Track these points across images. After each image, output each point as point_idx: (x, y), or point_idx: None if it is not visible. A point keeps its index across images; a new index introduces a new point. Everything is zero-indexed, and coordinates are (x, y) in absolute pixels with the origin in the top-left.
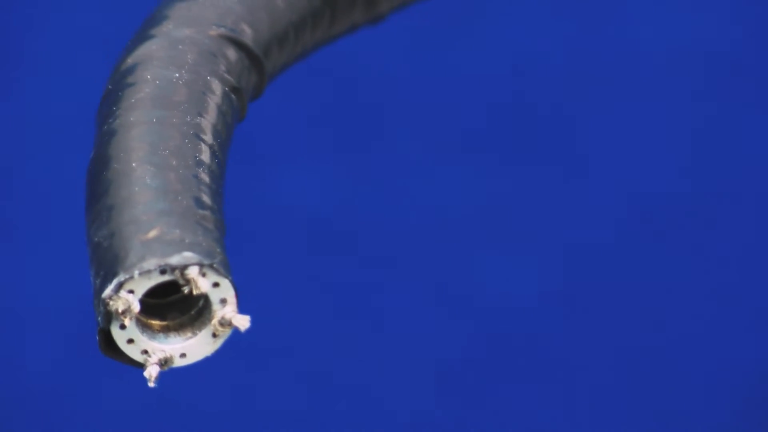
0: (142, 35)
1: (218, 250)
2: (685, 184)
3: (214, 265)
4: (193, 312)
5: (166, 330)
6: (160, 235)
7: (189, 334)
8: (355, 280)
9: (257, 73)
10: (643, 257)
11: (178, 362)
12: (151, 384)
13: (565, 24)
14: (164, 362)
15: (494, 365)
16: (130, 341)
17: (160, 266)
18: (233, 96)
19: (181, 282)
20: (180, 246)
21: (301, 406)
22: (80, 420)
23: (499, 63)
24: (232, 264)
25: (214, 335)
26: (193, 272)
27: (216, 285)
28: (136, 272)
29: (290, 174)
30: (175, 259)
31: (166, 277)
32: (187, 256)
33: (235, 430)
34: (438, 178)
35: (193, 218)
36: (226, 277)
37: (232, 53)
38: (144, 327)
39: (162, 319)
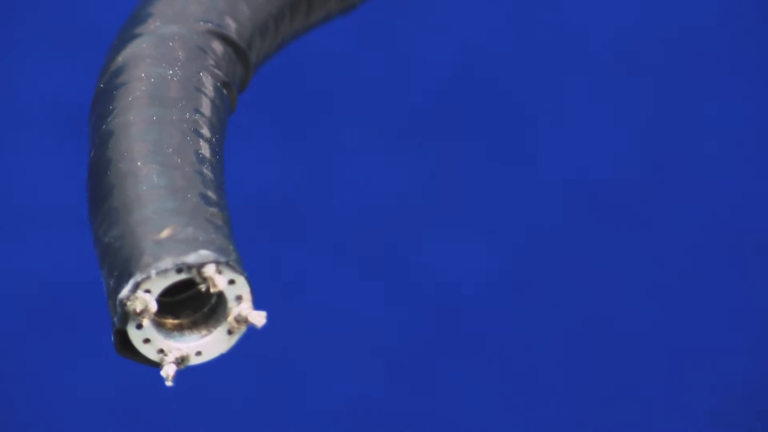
0: (129, 33)
1: (231, 247)
2: (634, 167)
3: (230, 263)
4: (205, 309)
5: (180, 328)
6: (173, 234)
7: (204, 332)
8: (302, 263)
9: (243, 66)
10: (592, 240)
11: (194, 360)
12: (168, 383)
13: (513, 5)
14: (181, 361)
15: (443, 348)
16: (147, 341)
17: (176, 265)
18: (224, 90)
19: (198, 280)
20: (195, 244)
21: (249, 390)
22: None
23: (445, 45)
24: None
25: (230, 332)
26: (210, 270)
27: (232, 282)
28: (153, 272)
29: (235, 158)
30: (191, 258)
31: (182, 276)
32: (204, 254)
33: (183, 411)
34: (385, 160)
35: (203, 216)
36: (242, 274)
37: (219, 48)
38: (159, 326)
39: (175, 317)
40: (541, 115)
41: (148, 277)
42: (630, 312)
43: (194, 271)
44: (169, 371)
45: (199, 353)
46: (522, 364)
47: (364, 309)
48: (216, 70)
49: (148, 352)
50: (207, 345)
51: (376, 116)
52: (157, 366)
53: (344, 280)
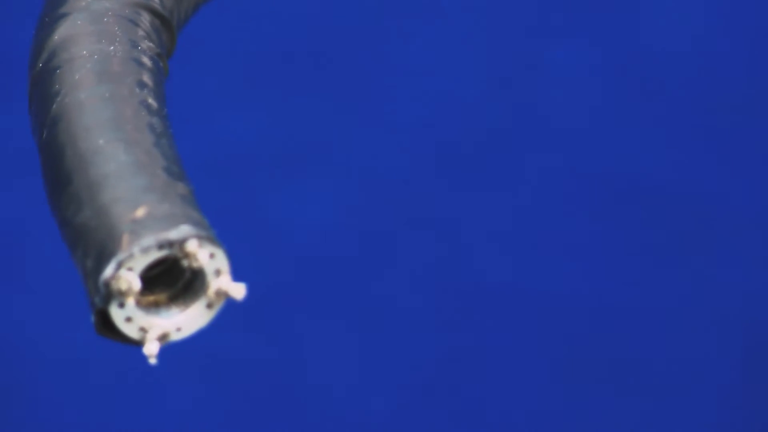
0: (58, 11)
1: (205, 220)
2: (482, 116)
3: (211, 237)
4: (179, 285)
5: (156, 305)
6: (150, 211)
7: (182, 307)
8: None
9: (169, 35)
10: (440, 189)
11: (175, 336)
12: (152, 361)
13: None
14: (162, 338)
15: (298, 295)
16: (128, 319)
17: (159, 242)
18: (159, 61)
19: (179, 255)
20: (173, 220)
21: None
22: None
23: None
24: None
25: (209, 306)
26: (192, 245)
27: (212, 256)
28: (136, 249)
29: None
30: (173, 234)
31: (163, 253)
32: (185, 229)
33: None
34: (231, 110)
35: (174, 191)
36: (221, 248)
37: (147, 20)
38: (139, 304)
39: (151, 294)
40: (388, 63)
41: (131, 256)
42: (476, 260)
43: (176, 247)
44: (152, 349)
45: (179, 329)
46: (371, 310)
47: None
48: (149, 43)
49: (130, 330)
50: (186, 320)
51: (220, 69)
52: (138, 344)
53: None
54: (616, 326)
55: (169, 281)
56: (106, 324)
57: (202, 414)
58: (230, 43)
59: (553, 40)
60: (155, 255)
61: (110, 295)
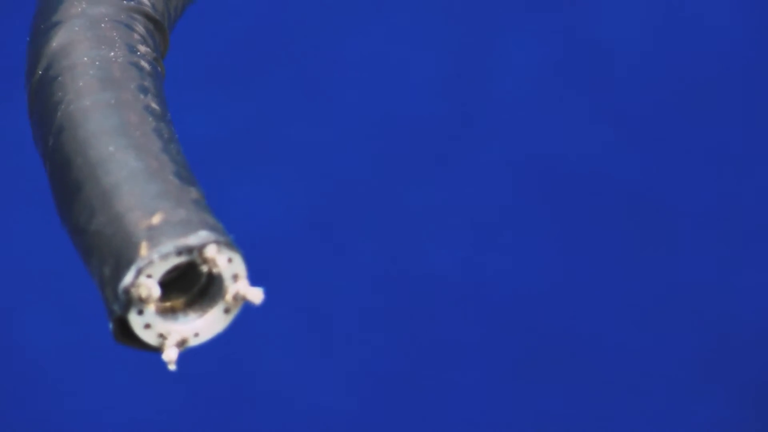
0: (53, 18)
1: (220, 225)
2: (433, 109)
3: (229, 242)
4: (195, 290)
5: (174, 311)
6: (167, 218)
7: (199, 313)
8: None
9: (162, 38)
10: (392, 182)
11: (193, 342)
12: (172, 367)
13: None
14: (181, 343)
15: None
16: (147, 326)
17: (177, 248)
18: (156, 65)
19: (198, 261)
20: (190, 226)
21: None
22: None
23: None
24: None
25: (226, 311)
26: (211, 251)
27: (230, 261)
28: (155, 256)
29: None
30: (192, 240)
31: (182, 259)
32: (204, 234)
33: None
34: (183, 105)
35: (187, 196)
36: (239, 252)
37: (142, 23)
38: (158, 311)
39: (167, 300)
40: (341, 54)
41: (151, 262)
42: (428, 252)
43: (195, 253)
44: (171, 355)
45: (197, 334)
46: (324, 305)
47: None
48: (146, 47)
49: (149, 337)
50: (204, 325)
51: (174, 63)
52: (157, 351)
53: None
54: (571, 319)
55: (183, 287)
56: (123, 331)
57: (153, 413)
58: (180, 41)
59: (504, 32)
60: (174, 261)
61: (130, 302)
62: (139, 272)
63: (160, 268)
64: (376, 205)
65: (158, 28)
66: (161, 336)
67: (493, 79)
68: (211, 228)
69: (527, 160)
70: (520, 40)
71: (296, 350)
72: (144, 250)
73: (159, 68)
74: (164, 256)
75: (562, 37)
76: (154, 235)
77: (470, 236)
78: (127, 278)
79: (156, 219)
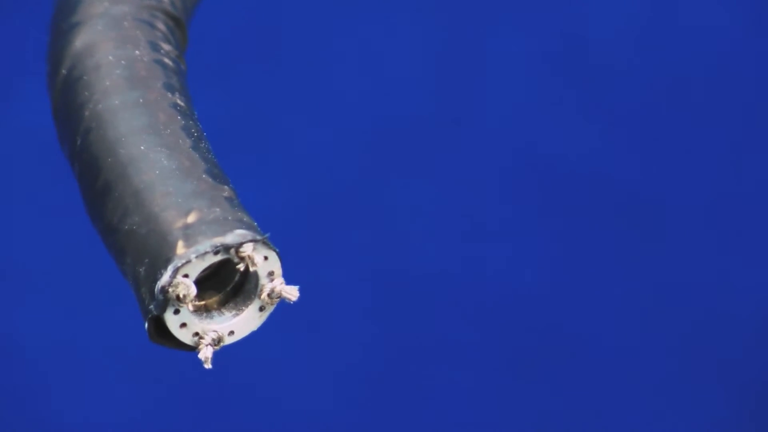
0: (75, 17)
1: (255, 223)
2: (421, 105)
3: (265, 240)
4: (229, 288)
5: (208, 309)
6: (202, 216)
7: (235, 311)
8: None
9: (182, 34)
10: (392, 179)
11: (228, 340)
12: (207, 365)
13: None
14: (216, 342)
15: None
16: (183, 325)
17: (215, 247)
18: (179, 62)
19: (235, 260)
20: (227, 224)
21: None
22: None
23: None
24: None
25: (261, 309)
26: (248, 249)
27: (265, 259)
28: (193, 255)
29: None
30: (230, 238)
31: (219, 257)
32: (241, 233)
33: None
34: None
35: (220, 194)
36: (274, 250)
37: (163, 21)
38: (193, 309)
39: (201, 299)
40: (334, 55)
41: (189, 261)
42: (428, 251)
43: (232, 251)
44: (207, 353)
45: (231, 333)
46: (310, 301)
47: None
48: (168, 44)
49: (185, 336)
50: (240, 323)
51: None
52: (192, 350)
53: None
54: (568, 318)
55: (217, 285)
56: (159, 331)
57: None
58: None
59: (497, 30)
60: (211, 260)
61: (167, 301)
62: (176, 271)
63: (197, 267)
64: (371, 203)
65: (178, 25)
66: (197, 335)
67: (482, 76)
68: (247, 226)
69: (523, 158)
70: (513, 37)
71: (289, 349)
72: (181, 249)
73: (182, 65)
74: (201, 255)
75: (555, 35)
76: (190, 234)
77: (466, 235)
78: (165, 278)
79: (191, 218)
